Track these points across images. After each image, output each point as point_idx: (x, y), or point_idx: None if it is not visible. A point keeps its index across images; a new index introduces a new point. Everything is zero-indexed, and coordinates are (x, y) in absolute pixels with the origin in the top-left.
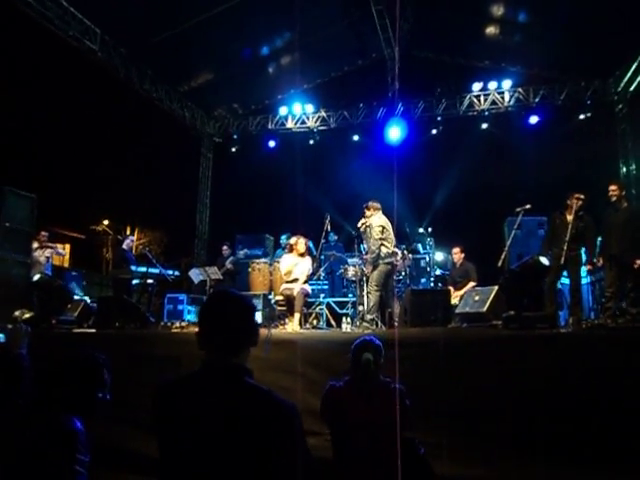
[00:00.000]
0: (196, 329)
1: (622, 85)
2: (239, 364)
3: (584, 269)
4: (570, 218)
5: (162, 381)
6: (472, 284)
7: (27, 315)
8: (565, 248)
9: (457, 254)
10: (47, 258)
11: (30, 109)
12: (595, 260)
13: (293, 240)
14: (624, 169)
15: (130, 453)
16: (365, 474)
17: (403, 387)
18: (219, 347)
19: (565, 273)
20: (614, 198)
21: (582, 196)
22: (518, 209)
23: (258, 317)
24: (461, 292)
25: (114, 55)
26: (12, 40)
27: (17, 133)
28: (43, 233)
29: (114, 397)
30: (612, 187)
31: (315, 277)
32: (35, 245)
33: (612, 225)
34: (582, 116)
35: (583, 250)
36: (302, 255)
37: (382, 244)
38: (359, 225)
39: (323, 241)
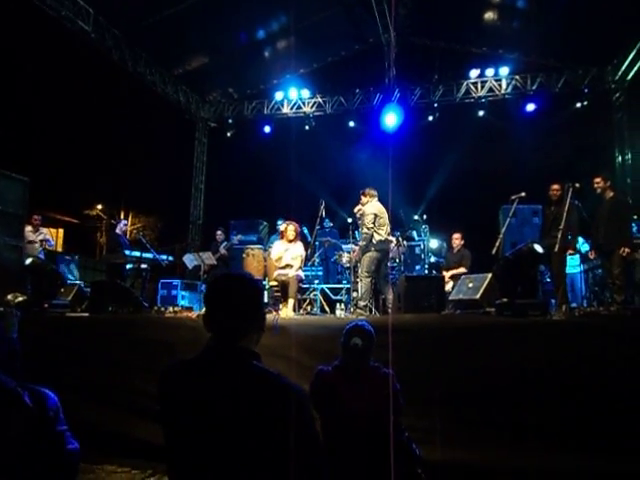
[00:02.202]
0: (189, 314)
1: (619, 74)
2: (246, 348)
3: (576, 258)
4: (553, 208)
5: (168, 365)
6: (463, 270)
7: (19, 299)
8: (559, 236)
9: (457, 239)
10: (41, 242)
11: (23, 92)
12: (589, 251)
13: (283, 227)
14: (619, 158)
15: (124, 437)
16: (354, 458)
17: (392, 372)
18: (226, 330)
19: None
20: (599, 190)
21: (557, 186)
22: (513, 197)
23: (265, 297)
24: (451, 273)
25: (107, 37)
26: (3, 20)
27: (10, 116)
28: (36, 217)
29: (107, 381)
30: (596, 180)
31: (309, 263)
32: (29, 229)
33: (599, 216)
34: (579, 104)
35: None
36: (292, 241)
37: (375, 231)
38: (355, 211)
39: (318, 227)
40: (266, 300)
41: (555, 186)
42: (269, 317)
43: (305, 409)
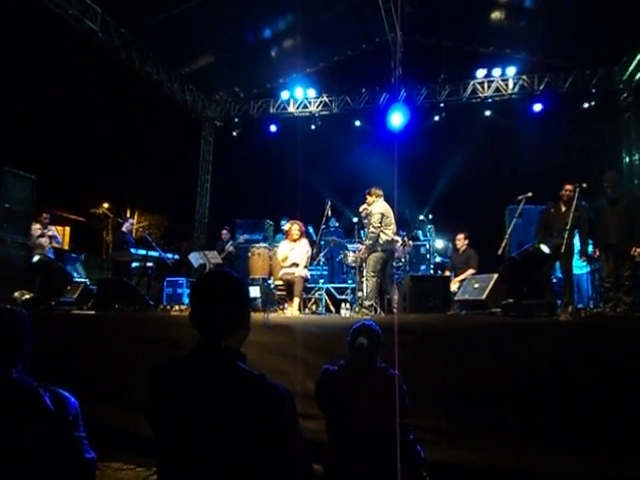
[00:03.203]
0: None
1: (627, 73)
2: (231, 347)
3: (577, 258)
4: (564, 208)
5: (156, 362)
6: (471, 271)
7: (27, 296)
8: (566, 236)
9: (460, 240)
10: (50, 238)
11: (31, 90)
12: (592, 251)
13: (287, 226)
14: (627, 159)
15: (129, 434)
16: (359, 458)
17: (399, 373)
18: (209, 329)
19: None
20: (609, 190)
21: (570, 187)
22: (520, 197)
23: (256, 292)
24: (460, 278)
25: (115, 36)
26: (12, 19)
27: (18, 114)
28: (45, 215)
29: (112, 379)
30: (607, 180)
31: (315, 262)
32: (37, 227)
33: (608, 216)
34: (586, 104)
35: (577, 239)
36: (296, 240)
37: (381, 231)
38: (360, 210)
39: (323, 227)
40: (259, 295)
41: (569, 186)
42: (259, 315)
43: (288, 409)
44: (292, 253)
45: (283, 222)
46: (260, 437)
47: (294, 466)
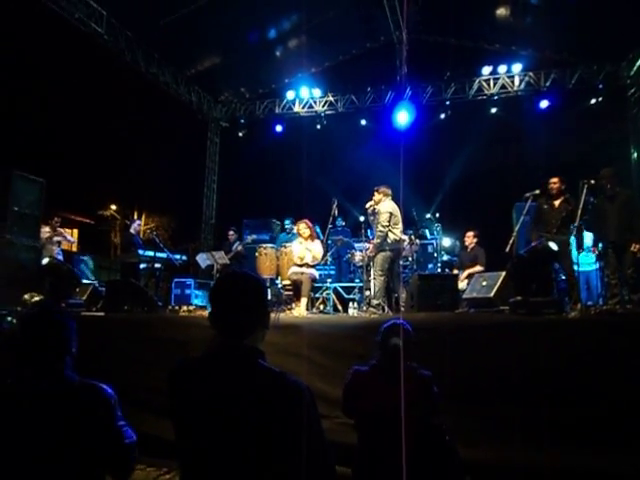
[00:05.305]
0: (203, 313)
1: (635, 69)
2: (251, 346)
3: (592, 255)
4: (557, 203)
5: (176, 362)
6: (480, 268)
7: (36, 298)
8: (574, 232)
9: (469, 237)
10: (58, 242)
11: (38, 93)
12: (592, 248)
13: (296, 228)
14: (635, 154)
15: (140, 435)
16: (389, 460)
17: (430, 373)
18: (230, 328)
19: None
20: (608, 186)
21: (556, 179)
22: (527, 194)
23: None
24: (467, 272)
25: (120, 38)
26: (19, 23)
27: (25, 118)
28: (56, 218)
29: (122, 380)
30: (604, 177)
31: (322, 262)
32: (46, 229)
33: (606, 212)
34: (593, 100)
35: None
36: (308, 238)
37: (390, 230)
38: (367, 206)
39: (330, 226)
40: (269, 297)
41: (555, 179)
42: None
43: (309, 406)
44: (307, 252)
45: (287, 222)
46: (283, 433)
47: (317, 462)
